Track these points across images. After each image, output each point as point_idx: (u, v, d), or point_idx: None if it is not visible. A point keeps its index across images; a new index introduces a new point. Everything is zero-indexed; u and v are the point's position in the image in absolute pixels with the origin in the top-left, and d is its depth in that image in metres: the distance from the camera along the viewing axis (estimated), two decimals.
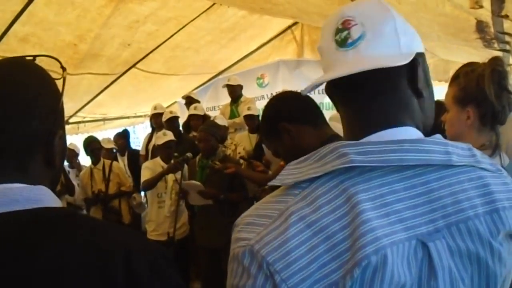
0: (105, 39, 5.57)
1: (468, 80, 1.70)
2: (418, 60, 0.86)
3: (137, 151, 6.97)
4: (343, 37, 0.88)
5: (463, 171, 0.83)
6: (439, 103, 1.90)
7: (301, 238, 0.74)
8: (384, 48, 0.84)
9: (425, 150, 0.79)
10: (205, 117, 5.98)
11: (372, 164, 0.77)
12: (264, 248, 0.74)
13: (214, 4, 5.83)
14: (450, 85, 1.77)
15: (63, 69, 0.97)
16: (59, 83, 0.96)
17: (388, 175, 0.79)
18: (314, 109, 1.88)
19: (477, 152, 0.87)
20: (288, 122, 1.78)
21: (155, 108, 6.34)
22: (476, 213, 0.80)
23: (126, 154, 6.88)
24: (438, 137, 0.84)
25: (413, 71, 0.86)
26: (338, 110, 0.94)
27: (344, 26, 0.88)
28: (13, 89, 0.86)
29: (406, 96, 0.87)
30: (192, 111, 5.98)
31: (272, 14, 5.40)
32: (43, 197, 0.86)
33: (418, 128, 0.87)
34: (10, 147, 0.85)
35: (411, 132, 0.85)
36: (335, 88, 0.91)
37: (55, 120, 0.91)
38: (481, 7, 2.33)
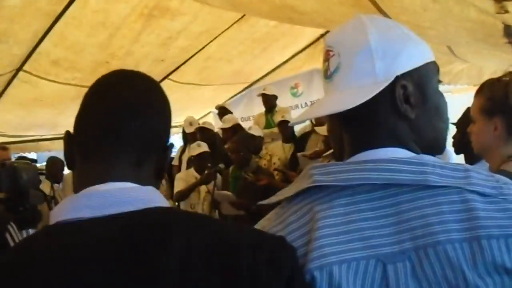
0: (138, 56, 5.63)
1: (495, 90, 1.66)
2: (400, 82, 0.83)
3: (171, 160, 7.01)
4: (325, 68, 0.89)
5: (443, 193, 0.77)
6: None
7: None
8: (357, 79, 0.84)
9: (390, 169, 0.78)
10: (235, 127, 5.91)
11: (334, 183, 0.80)
12: None
13: (244, 14, 5.87)
14: (475, 96, 1.73)
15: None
16: None
17: (356, 195, 0.80)
18: None
19: (478, 175, 0.79)
20: None
21: (187, 125, 6.29)
22: (450, 239, 0.73)
23: None
24: (419, 157, 0.82)
25: (392, 96, 0.83)
26: None
27: (325, 56, 0.89)
28: (150, 97, 0.91)
29: (387, 120, 0.85)
30: (220, 125, 6.08)
31: (300, 23, 5.37)
32: (154, 196, 0.84)
33: (410, 148, 0.85)
34: (135, 151, 0.86)
35: (391, 153, 0.83)
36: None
37: (170, 128, 0.95)
38: (507, 11, 2.27)
